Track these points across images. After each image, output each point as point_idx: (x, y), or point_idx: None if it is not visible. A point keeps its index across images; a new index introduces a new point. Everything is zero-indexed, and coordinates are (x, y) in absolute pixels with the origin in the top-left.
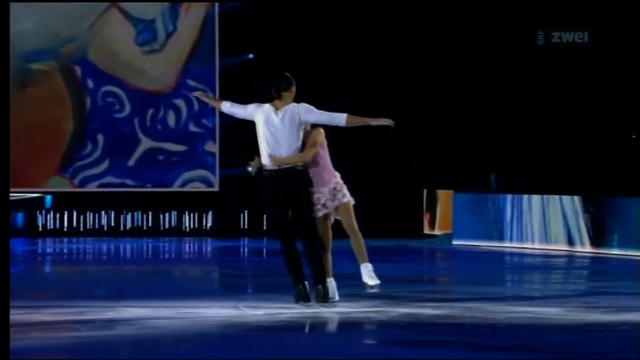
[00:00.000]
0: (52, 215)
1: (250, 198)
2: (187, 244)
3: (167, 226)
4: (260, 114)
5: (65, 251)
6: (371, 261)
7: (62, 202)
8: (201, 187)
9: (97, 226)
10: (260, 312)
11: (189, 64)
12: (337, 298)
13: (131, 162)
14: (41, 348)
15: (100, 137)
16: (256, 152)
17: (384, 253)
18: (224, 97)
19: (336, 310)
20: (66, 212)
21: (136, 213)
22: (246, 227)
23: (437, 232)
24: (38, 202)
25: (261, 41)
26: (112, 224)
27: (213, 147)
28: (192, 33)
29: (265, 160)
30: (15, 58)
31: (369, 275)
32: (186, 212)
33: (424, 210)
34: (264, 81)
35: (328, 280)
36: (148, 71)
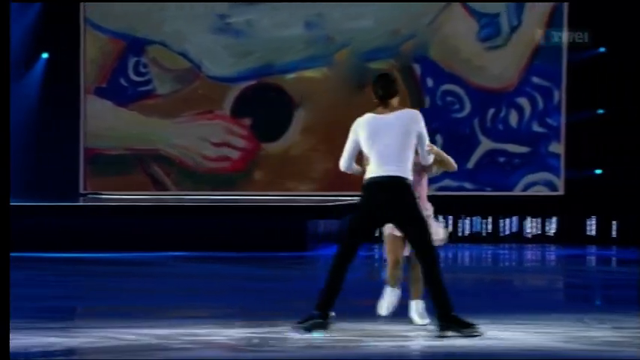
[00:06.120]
0: None
1: (599, 203)
2: (529, 252)
3: (508, 232)
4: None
5: None
6: None
7: None
8: (545, 191)
9: None
10: (606, 326)
11: (534, 61)
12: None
13: (470, 164)
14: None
15: (439, 138)
16: (605, 152)
17: None
18: (572, 95)
19: None
20: None
21: (474, 218)
22: (593, 234)
23: None
24: None
25: (615, 33)
26: (450, 229)
27: (557, 148)
28: (538, 27)
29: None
30: (354, 57)
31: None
32: (528, 218)
33: None
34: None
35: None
36: (490, 68)
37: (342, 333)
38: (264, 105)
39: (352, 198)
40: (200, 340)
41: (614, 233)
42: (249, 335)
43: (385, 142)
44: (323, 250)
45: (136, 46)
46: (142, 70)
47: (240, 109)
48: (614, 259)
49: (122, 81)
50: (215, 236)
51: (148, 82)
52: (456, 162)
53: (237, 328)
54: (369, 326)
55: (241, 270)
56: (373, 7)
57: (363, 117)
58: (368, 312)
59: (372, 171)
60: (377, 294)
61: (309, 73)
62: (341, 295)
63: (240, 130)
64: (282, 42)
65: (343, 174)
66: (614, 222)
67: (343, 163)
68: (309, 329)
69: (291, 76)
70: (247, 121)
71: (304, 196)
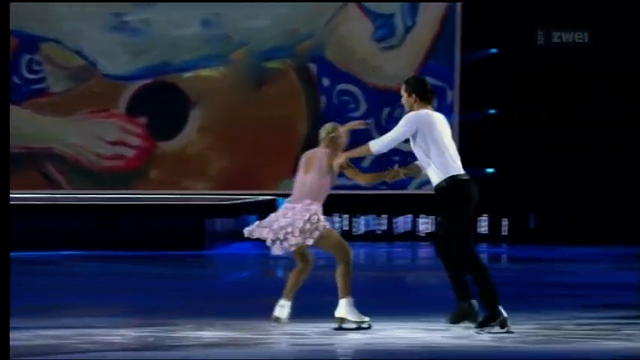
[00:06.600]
0: None
1: (490, 201)
2: (423, 250)
3: (402, 230)
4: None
5: None
6: None
7: None
8: None
9: None
10: (495, 322)
11: (428, 61)
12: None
13: (365, 163)
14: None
15: None
16: (496, 151)
17: None
18: (465, 94)
19: None
20: None
21: (369, 217)
22: (486, 232)
23: None
24: (270, 205)
25: (505, 36)
26: (346, 228)
27: None
28: (432, 27)
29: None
30: (251, 56)
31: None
32: (422, 216)
33: None
34: (508, 78)
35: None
36: (385, 68)
37: (240, 332)
38: (160, 103)
39: (249, 197)
40: (95, 340)
41: (504, 231)
42: (145, 334)
43: (451, 139)
44: (220, 249)
45: (29, 43)
46: (36, 67)
47: (135, 107)
48: (504, 256)
49: (15, 79)
50: (111, 235)
51: (41, 79)
52: (352, 161)
53: (134, 328)
54: (268, 324)
55: (138, 269)
56: (270, 6)
57: (421, 112)
58: (266, 310)
59: (455, 167)
60: (274, 292)
61: (205, 72)
62: (237, 294)
63: (135, 129)
64: (179, 41)
65: (240, 173)
66: (504, 220)
67: (383, 148)
68: (502, 325)
69: (188, 74)
70: (143, 120)
71: (201, 194)
